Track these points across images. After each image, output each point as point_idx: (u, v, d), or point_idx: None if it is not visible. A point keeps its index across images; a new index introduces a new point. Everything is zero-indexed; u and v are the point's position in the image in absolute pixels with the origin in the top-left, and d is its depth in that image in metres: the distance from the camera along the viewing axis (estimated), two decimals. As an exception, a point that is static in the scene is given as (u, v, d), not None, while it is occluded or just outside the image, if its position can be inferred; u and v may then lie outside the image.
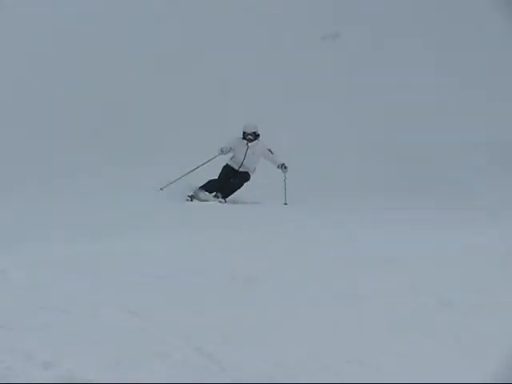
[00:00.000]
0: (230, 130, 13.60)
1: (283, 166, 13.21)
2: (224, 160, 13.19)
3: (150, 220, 9.10)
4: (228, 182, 13.16)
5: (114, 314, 4.26)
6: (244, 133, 13.26)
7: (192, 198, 12.93)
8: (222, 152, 13.12)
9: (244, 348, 3.75)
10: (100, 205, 10.84)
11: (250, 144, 13.19)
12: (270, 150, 13.25)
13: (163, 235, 7.51)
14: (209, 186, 13.08)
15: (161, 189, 12.78)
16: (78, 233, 7.65)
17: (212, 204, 12.31)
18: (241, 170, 13.25)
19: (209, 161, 12.92)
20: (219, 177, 13.17)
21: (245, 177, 13.33)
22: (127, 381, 3.42)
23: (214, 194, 13.10)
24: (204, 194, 12.89)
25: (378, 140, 15.20)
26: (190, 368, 3.52)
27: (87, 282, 5.10)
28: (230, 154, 13.33)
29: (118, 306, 4.39)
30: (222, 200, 12.97)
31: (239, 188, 13.24)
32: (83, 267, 5.64)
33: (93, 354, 3.64)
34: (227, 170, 13.22)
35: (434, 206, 12.02)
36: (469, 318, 4.38)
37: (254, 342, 3.87)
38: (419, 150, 14.56)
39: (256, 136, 13.19)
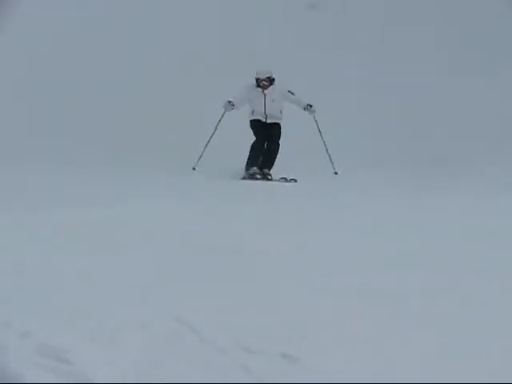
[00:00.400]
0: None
1: (309, 107, 11.92)
2: (242, 118, 11.81)
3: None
4: (266, 138, 11.83)
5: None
6: (257, 79, 11.89)
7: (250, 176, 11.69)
8: (230, 104, 11.76)
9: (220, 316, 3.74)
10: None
11: (266, 91, 11.84)
12: (290, 92, 11.91)
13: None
14: (254, 154, 11.83)
15: (194, 168, 11.87)
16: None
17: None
18: (268, 120, 11.95)
19: (219, 122, 11.93)
20: (256, 134, 11.87)
21: (277, 132, 11.95)
22: (104, 350, 3.40)
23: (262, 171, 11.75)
24: (255, 170, 11.70)
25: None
26: (167, 338, 3.51)
27: (76, 252, 5.13)
28: (247, 108, 11.97)
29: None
30: (265, 174, 11.69)
31: (276, 154, 11.83)
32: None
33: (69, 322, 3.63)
34: (256, 123, 11.91)
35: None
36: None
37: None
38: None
39: (271, 81, 11.85)
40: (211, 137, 11.98)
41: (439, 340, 3.79)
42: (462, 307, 4.22)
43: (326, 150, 12.06)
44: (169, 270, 4.67)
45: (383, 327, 3.91)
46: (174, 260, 4.91)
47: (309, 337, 3.65)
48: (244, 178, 11.71)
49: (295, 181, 11.57)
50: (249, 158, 11.90)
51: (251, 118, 11.98)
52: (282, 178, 11.75)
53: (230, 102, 11.78)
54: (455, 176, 11.66)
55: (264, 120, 11.91)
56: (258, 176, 11.73)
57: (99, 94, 14.69)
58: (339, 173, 12.03)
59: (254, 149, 11.86)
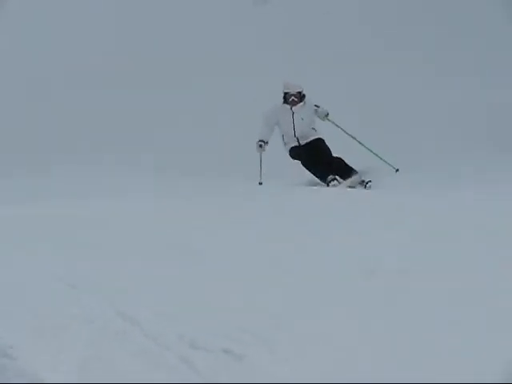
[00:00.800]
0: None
1: (323, 112, 10.41)
2: (277, 147, 10.47)
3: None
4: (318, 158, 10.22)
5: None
6: (286, 94, 10.45)
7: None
8: (262, 147, 10.39)
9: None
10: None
11: (294, 108, 10.38)
12: (316, 106, 10.44)
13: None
14: (321, 174, 10.22)
15: (260, 183, 10.34)
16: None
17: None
18: (302, 142, 10.42)
19: (261, 166, 10.41)
20: (306, 163, 10.31)
21: (322, 144, 10.41)
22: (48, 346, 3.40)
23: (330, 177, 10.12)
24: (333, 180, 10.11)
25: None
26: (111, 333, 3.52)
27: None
28: (278, 136, 10.52)
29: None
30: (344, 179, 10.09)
31: (337, 157, 10.23)
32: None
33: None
34: (296, 151, 10.38)
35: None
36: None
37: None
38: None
39: (302, 97, 10.40)
40: (261, 173, 10.45)
41: (396, 341, 3.77)
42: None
43: (370, 150, 10.56)
44: (124, 269, 4.67)
45: (337, 327, 3.89)
46: (135, 259, 4.91)
47: (256, 334, 3.64)
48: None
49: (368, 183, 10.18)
50: (315, 173, 10.42)
51: (287, 148, 10.52)
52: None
53: (260, 143, 10.42)
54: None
55: (297, 143, 10.46)
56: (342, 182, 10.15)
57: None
58: (399, 169, 10.52)
59: (309, 163, 10.36)
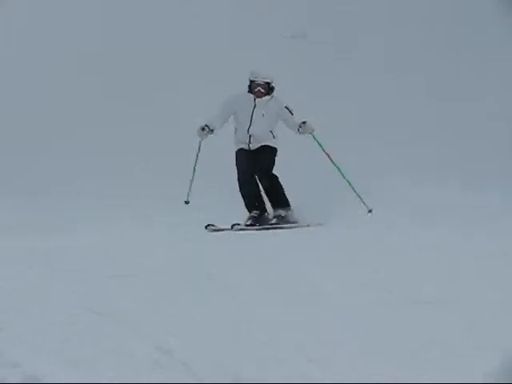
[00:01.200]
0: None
1: (302, 125, 8.99)
2: (227, 141, 9.26)
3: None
4: (254, 170, 8.98)
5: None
6: (252, 82, 9.04)
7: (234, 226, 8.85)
8: (205, 131, 8.92)
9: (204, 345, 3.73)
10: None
11: (258, 100, 8.98)
12: (288, 108, 9.02)
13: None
14: (250, 203, 9.04)
15: (186, 202, 9.26)
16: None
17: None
18: (252, 145, 9.07)
19: (197, 157, 9.23)
20: (240, 176, 9.02)
21: (266, 160, 9.04)
22: (87, 380, 3.39)
23: (254, 212, 8.96)
24: (264, 218, 8.92)
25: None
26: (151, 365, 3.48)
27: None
28: (231, 127, 9.18)
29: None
30: (285, 214, 8.92)
31: (277, 182, 8.99)
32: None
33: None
34: (239, 156, 9.08)
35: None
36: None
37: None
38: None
39: (270, 89, 9.01)
40: (194, 171, 9.32)
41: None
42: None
43: (349, 183, 9.39)
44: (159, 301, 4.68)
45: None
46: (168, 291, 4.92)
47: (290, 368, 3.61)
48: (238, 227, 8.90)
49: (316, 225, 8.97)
50: (243, 196, 9.17)
51: (236, 147, 9.24)
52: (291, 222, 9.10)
53: (204, 128, 8.96)
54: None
55: (247, 146, 9.11)
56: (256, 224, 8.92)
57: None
58: (373, 211, 9.31)
59: (242, 192, 9.08)
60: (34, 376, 3.42)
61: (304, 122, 9.04)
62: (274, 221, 9.02)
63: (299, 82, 13.43)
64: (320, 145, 9.33)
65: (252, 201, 9.08)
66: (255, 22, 15.49)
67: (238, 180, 9.06)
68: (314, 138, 9.26)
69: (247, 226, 8.89)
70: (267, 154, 9.10)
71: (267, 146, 9.12)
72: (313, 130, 9.14)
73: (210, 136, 9.02)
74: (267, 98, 9.02)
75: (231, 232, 8.62)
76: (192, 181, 9.27)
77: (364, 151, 11.98)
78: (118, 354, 3.61)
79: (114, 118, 13.37)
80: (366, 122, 13.10)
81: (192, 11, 15.76)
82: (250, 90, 9.05)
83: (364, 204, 9.33)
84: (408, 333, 4.18)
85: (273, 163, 9.12)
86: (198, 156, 9.24)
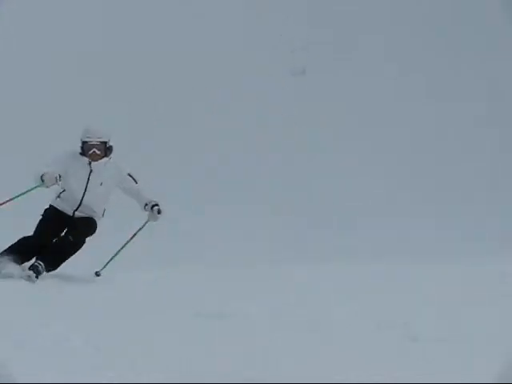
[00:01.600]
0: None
1: (154, 208, 7.56)
2: (47, 197, 7.69)
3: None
4: (54, 238, 7.50)
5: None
6: (84, 143, 7.49)
7: None
8: (44, 181, 7.31)
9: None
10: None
11: (94, 164, 7.47)
12: (131, 176, 7.64)
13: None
14: (19, 249, 7.36)
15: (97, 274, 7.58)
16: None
17: (18, 281, 6.90)
18: (78, 213, 7.54)
19: (26, 192, 7.56)
20: (37, 229, 7.51)
21: (87, 227, 7.59)
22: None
23: (30, 262, 7.30)
24: (10, 266, 7.15)
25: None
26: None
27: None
28: (57, 187, 7.53)
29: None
30: (41, 272, 7.14)
31: (75, 251, 7.48)
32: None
33: None
34: (51, 215, 7.53)
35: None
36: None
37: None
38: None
39: (107, 149, 7.53)
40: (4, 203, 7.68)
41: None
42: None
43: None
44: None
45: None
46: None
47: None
48: None
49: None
50: (10, 248, 7.43)
51: (53, 204, 7.57)
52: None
53: (43, 176, 7.34)
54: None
55: (71, 211, 7.53)
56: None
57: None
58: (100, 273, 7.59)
59: (26, 238, 7.46)
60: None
61: (159, 210, 7.63)
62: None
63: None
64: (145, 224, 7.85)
65: (30, 254, 7.49)
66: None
67: (31, 237, 7.49)
68: (153, 220, 7.72)
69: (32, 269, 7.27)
70: (88, 222, 7.61)
71: (91, 219, 7.62)
72: (156, 219, 7.70)
73: (54, 184, 7.39)
74: (104, 160, 7.51)
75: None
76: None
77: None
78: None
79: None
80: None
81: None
82: (83, 152, 7.50)
83: None
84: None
85: (91, 231, 7.64)
86: (24, 194, 7.62)
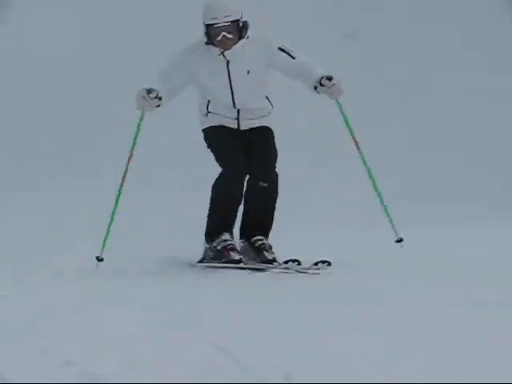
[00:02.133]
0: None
1: (325, 82, 5.76)
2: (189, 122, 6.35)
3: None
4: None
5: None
6: (208, 27, 5.83)
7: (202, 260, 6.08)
8: (151, 98, 5.80)
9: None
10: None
11: (228, 52, 5.89)
12: (283, 50, 5.94)
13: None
14: (218, 222, 5.94)
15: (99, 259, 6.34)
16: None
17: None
18: (243, 123, 5.98)
19: (137, 134, 6.18)
20: (223, 169, 5.93)
21: (267, 135, 6.04)
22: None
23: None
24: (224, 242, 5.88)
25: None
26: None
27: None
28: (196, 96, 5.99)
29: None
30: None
31: (274, 163, 5.95)
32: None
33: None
34: (219, 134, 5.99)
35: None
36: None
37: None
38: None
39: (241, 29, 5.87)
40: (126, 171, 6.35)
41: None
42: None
43: (379, 194, 6.29)
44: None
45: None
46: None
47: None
48: (201, 262, 6.11)
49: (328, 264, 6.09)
50: (209, 217, 6.07)
51: (205, 125, 6.08)
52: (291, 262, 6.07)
53: (151, 91, 5.80)
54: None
55: (234, 123, 6.00)
56: (237, 257, 5.88)
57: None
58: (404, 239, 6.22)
59: (221, 194, 5.93)
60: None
61: (328, 78, 5.80)
62: (271, 258, 5.95)
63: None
64: (347, 123, 6.12)
65: (231, 216, 6.06)
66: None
67: (219, 180, 5.96)
68: (341, 111, 6.02)
69: (226, 262, 5.89)
70: (266, 139, 6.05)
71: (264, 127, 6.07)
72: (341, 93, 5.89)
73: (155, 107, 5.93)
74: (241, 42, 5.86)
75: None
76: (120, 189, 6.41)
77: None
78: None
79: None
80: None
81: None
82: (210, 40, 5.89)
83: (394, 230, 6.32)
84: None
85: (275, 158, 6.05)
86: (137, 136, 6.26)
